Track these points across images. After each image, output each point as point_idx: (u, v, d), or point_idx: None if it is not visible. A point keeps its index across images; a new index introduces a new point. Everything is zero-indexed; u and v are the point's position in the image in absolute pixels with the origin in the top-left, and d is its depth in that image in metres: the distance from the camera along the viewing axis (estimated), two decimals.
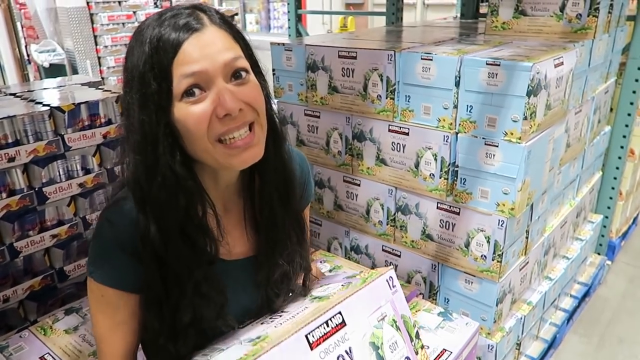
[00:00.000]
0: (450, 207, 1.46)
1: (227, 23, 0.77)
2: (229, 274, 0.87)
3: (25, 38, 5.73)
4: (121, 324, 0.83)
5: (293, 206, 0.92)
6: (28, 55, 5.62)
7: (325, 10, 7.96)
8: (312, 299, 0.89)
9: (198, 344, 0.83)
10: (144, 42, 0.72)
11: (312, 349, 0.74)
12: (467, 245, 1.45)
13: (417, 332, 0.87)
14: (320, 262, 1.65)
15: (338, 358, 0.76)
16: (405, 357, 0.83)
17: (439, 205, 1.49)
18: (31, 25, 5.75)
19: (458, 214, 1.45)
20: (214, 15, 0.76)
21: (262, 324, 0.85)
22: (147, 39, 0.71)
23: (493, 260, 1.41)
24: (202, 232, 0.79)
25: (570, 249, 2.03)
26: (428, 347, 1.24)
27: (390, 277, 0.88)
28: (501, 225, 1.37)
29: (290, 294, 0.92)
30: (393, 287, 0.87)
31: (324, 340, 0.75)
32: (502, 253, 1.39)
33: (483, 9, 2.76)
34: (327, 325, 0.77)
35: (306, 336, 0.74)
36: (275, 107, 0.89)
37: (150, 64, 0.71)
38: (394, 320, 0.84)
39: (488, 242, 1.40)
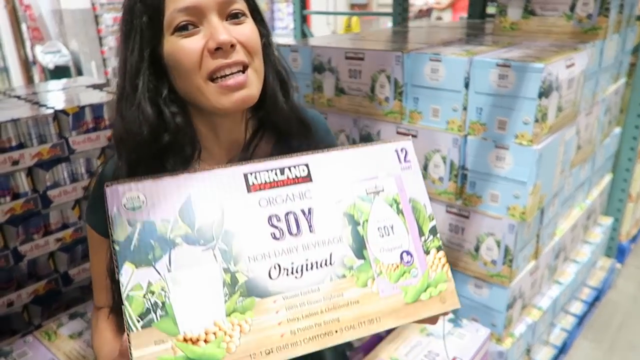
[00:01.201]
0: (459, 210, 1.44)
1: None
2: None
3: (30, 39, 5.75)
4: (108, 269, 0.80)
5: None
6: (33, 57, 5.64)
7: (331, 11, 7.94)
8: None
9: None
10: None
11: (249, 191, 0.60)
12: (477, 249, 1.43)
13: (433, 228, 0.67)
14: None
15: (287, 215, 0.60)
16: (404, 252, 0.64)
17: (447, 208, 1.46)
18: (36, 26, 5.77)
19: (467, 217, 1.43)
20: None
21: None
22: None
23: (503, 264, 1.38)
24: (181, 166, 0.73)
25: (580, 253, 2.00)
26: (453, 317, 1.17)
27: (403, 148, 0.68)
28: (512, 230, 1.34)
29: None
30: (405, 161, 0.68)
31: (270, 187, 0.61)
32: (513, 258, 1.36)
33: (490, 9, 2.74)
34: (282, 173, 0.62)
35: (245, 175, 0.61)
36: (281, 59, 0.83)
37: None
38: (395, 200, 0.66)
39: (498, 246, 1.38)
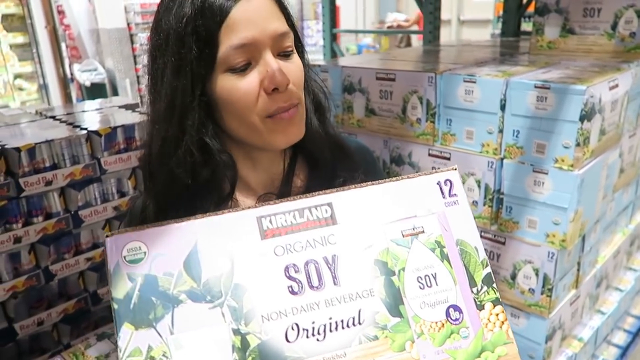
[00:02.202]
0: (494, 236, 1.38)
1: None
2: None
3: (69, 58, 5.96)
4: None
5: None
6: (71, 75, 5.84)
7: (360, 29, 7.97)
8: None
9: None
10: (184, 3, 0.65)
11: (264, 237, 0.52)
12: (514, 277, 1.36)
13: (487, 276, 0.55)
14: None
15: (307, 264, 0.52)
16: (451, 307, 0.53)
17: (482, 234, 1.41)
18: (75, 45, 5.98)
19: (503, 243, 1.37)
20: None
21: None
22: (189, 0, 0.65)
23: (542, 294, 1.32)
24: (215, 205, 0.70)
25: (623, 280, 1.90)
26: None
27: (448, 180, 0.58)
28: (551, 258, 1.28)
29: None
30: (450, 195, 0.57)
31: (287, 232, 0.52)
32: (552, 287, 1.29)
33: (524, 26, 2.68)
34: (301, 215, 0.53)
35: (259, 219, 0.53)
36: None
37: (193, 27, 0.64)
38: (438, 243, 0.55)
39: (537, 274, 1.31)
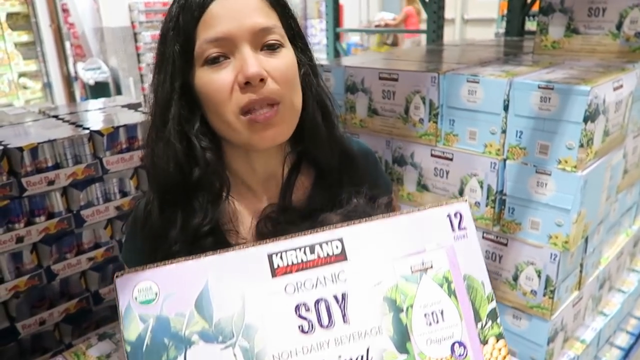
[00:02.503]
0: (497, 237, 1.38)
1: None
2: None
3: (73, 57, 5.97)
4: None
5: (349, 201, 0.76)
6: (75, 73, 5.85)
7: (364, 28, 7.96)
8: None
9: None
10: (174, 3, 0.68)
11: (274, 275, 0.52)
12: (515, 278, 1.36)
13: (492, 311, 0.55)
14: None
15: (317, 303, 0.52)
16: (457, 343, 0.54)
17: (484, 235, 1.40)
18: (79, 44, 5.99)
19: (505, 245, 1.36)
20: None
21: None
22: (177, 0, 0.68)
23: (544, 296, 1.31)
24: (208, 210, 0.70)
25: (626, 282, 1.89)
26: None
27: (458, 213, 0.57)
28: (554, 259, 1.27)
29: None
30: (460, 228, 0.57)
31: (298, 270, 0.52)
32: (555, 289, 1.29)
33: (528, 26, 2.66)
34: (312, 252, 0.53)
35: (270, 256, 0.52)
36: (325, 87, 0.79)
37: (174, 24, 0.67)
38: (446, 278, 0.55)
39: (539, 276, 1.30)
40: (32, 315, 1.36)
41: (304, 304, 0.52)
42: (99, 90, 5.45)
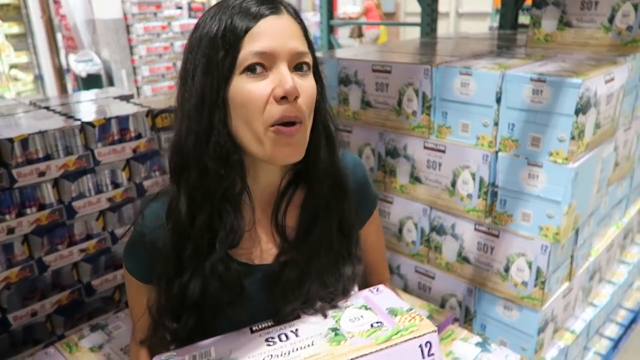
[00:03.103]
0: (488, 229, 1.39)
1: (300, 18, 0.78)
2: (249, 273, 0.83)
3: (65, 48, 5.90)
4: (143, 305, 0.86)
5: (344, 217, 0.86)
6: (67, 65, 5.79)
7: (358, 21, 7.93)
8: (328, 329, 0.76)
9: (198, 327, 0.82)
10: (225, 10, 0.72)
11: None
12: (507, 270, 1.37)
13: None
14: None
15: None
16: None
17: (476, 226, 1.41)
18: (71, 36, 5.93)
19: (497, 236, 1.37)
20: (290, 8, 0.77)
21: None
22: (229, 8, 0.72)
23: (535, 287, 1.32)
24: (234, 213, 0.77)
25: (616, 274, 1.91)
26: None
27: (428, 342, 0.69)
28: (544, 251, 1.28)
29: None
30: (429, 355, 0.69)
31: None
32: (545, 280, 1.30)
33: (522, 19, 2.67)
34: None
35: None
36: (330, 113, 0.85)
37: (224, 30, 0.71)
38: None
39: (530, 267, 1.32)
40: (23, 306, 1.36)
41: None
42: (91, 82, 5.40)
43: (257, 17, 0.71)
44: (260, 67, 0.71)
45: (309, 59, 0.75)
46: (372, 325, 0.72)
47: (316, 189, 0.83)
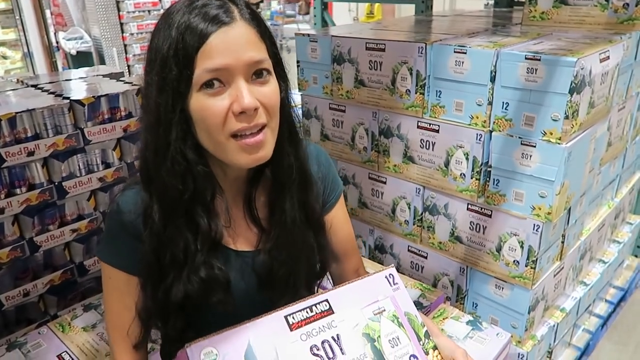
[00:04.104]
0: (481, 209, 1.39)
1: (256, 19, 0.76)
2: (231, 263, 0.85)
3: (54, 25, 5.78)
4: (129, 309, 0.83)
5: (309, 207, 0.90)
6: (57, 43, 5.68)
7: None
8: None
9: (188, 327, 0.84)
10: (172, 25, 0.71)
11: (291, 329, 0.74)
12: (499, 249, 1.37)
13: (426, 332, 0.83)
14: None
15: (323, 343, 0.75)
16: (411, 356, 0.79)
17: (469, 206, 1.41)
18: (60, 12, 5.80)
19: (490, 216, 1.37)
20: (244, 9, 0.75)
21: None
22: (175, 24, 0.71)
23: (526, 266, 1.33)
24: (207, 216, 0.79)
25: (607, 252, 1.93)
26: None
27: (391, 274, 0.85)
28: (536, 230, 1.29)
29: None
30: (394, 284, 0.84)
31: (306, 324, 0.76)
32: (537, 259, 1.31)
33: None
34: (311, 311, 0.77)
35: (286, 317, 0.75)
36: (296, 106, 0.87)
37: (175, 50, 0.70)
38: (394, 315, 0.81)
39: (521, 247, 1.32)
40: (15, 286, 1.35)
41: (315, 345, 0.75)
42: (81, 60, 5.31)
43: (208, 33, 0.70)
44: (217, 82, 0.71)
45: (267, 64, 0.75)
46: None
47: (280, 182, 0.85)
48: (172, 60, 0.70)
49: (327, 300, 0.78)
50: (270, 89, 0.75)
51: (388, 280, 0.84)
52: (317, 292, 0.93)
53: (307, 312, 0.76)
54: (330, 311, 0.78)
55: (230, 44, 0.70)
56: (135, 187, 0.83)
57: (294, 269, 0.87)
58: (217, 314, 0.81)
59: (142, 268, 0.81)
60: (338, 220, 1.01)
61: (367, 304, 0.80)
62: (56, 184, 1.36)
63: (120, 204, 0.82)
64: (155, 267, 0.79)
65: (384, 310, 0.81)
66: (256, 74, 0.73)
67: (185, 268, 0.78)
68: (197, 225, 0.79)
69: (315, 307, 0.77)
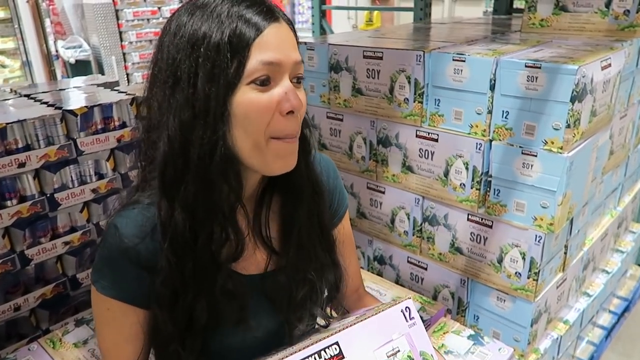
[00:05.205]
0: (482, 219, 1.36)
1: (293, 25, 0.75)
2: (244, 288, 0.80)
3: (53, 34, 5.78)
4: (129, 341, 0.77)
5: (323, 221, 0.86)
6: (56, 52, 5.68)
7: (351, 6, 7.83)
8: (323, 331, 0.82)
9: (206, 352, 0.79)
10: (220, 14, 0.67)
11: None
12: (500, 260, 1.34)
13: None
14: None
15: None
16: None
17: (469, 217, 1.38)
18: (59, 21, 5.81)
19: (490, 227, 1.35)
20: (285, 15, 0.74)
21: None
22: (224, 13, 0.67)
23: (529, 278, 1.30)
24: (234, 226, 0.75)
25: (610, 262, 1.90)
26: None
27: (407, 307, 0.78)
28: (538, 241, 1.26)
29: (314, 323, 0.85)
30: (410, 319, 0.78)
31: None
32: (539, 271, 1.28)
33: (517, 4, 2.62)
34: (319, 357, 0.70)
35: None
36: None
37: (229, 36, 0.66)
38: (409, 357, 0.75)
39: (523, 258, 1.29)
40: (6, 301, 1.32)
41: None
42: (80, 68, 5.31)
43: (263, 25, 0.68)
44: (269, 79, 0.68)
45: (302, 70, 0.74)
46: (356, 317, 0.76)
47: (295, 195, 0.81)
48: (226, 47, 0.65)
49: (337, 343, 0.72)
50: (304, 97, 0.74)
51: (404, 315, 0.78)
52: (331, 314, 0.89)
53: (314, 358, 0.70)
54: (340, 355, 0.72)
55: (282, 39, 0.69)
56: (136, 207, 0.75)
57: (314, 288, 0.83)
58: (233, 337, 0.78)
59: (155, 296, 0.73)
60: (344, 235, 0.97)
61: (380, 344, 0.74)
62: (48, 195, 1.33)
63: (119, 227, 0.73)
64: (172, 283, 0.73)
65: (399, 351, 0.75)
66: (297, 79, 0.72)
67: (214, 281, 0.74)
68: (227, 236, 0.74)
69: (325, 351, 0.71)
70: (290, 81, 0.71)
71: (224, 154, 0.69)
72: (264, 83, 0.68)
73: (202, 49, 0.66)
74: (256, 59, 0.67)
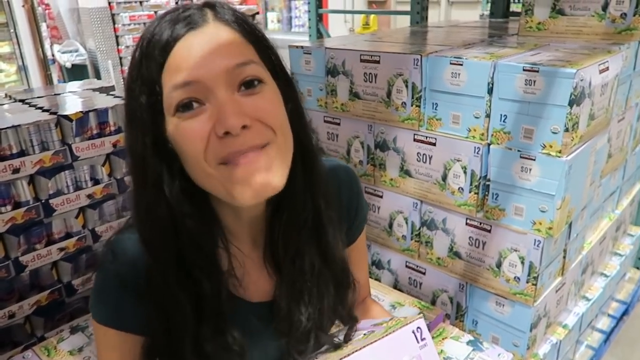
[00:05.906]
0: (480, 223, 1.35)
1: (239, 20, 0.63)
2: (248, 317, 0.76)
3: (49, 38, 5.77)
4: None
5: (328, 245, 0.77)
6: (52, 56, 5.66)
7: (347, 10, 7.85)
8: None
9: None
10: (136, 50, 0.62)
11: None
12: (499, 265, 1.34)
13: None
14: None
15: None
16: None
17: (468, 221, 1.38)
18: (55, 25, 5.79)
19: (489, 231, 1.34)
20: (225, 10, 0.63)
21: None
22: (140, 40, 0.61)
23: (527, 282, 1.29)
24: (207, 272, 0.67)
25: (608, 266, 1.90)
26: None
27: (419, 327, 0.74)
28: (537, 246, 1.25)
29: (320, 349, 0.80)
30: (422, 339, 0.74)
31: None
32: (538, 275, 1.27)
33: (514, 7, 2.63)
34: None
35: None
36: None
37: (137, 72, 0.60)
38: None
39: (522, 263, 1.29)
40: (0, 308, 1.31)
41: None
42: (76, 73, 5.30)
43: (172, 42, 0.58)
44: (193, 101, 0.58)
45: (257, 71, 0.61)
46: (364, 334, 0.73)
47: (293, 218, 0.72)
48: (136, 86, 0.60)
49: None
50: (265, 100, 0.61)
51: (415, 336, 0.74)
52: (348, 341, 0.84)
53: None
54: None
55: (202, 48, 0.58)
56: (133, 231, 0.70)
57: (317, 320, 0.78)
58: None
59: (153, 329, 0.70)
60: (359, 251, 0.93)
61: None
62: (43, 201, 1.32)
63: (116, 251, 0.70)
64: (161, 333, 0.69)
65: None
66: (245, 85, 0.60)
67: (192, 338, 0.68)
68: (197, 284, 0.66)
69: None
70: (238, 90, 0.60)
71: (184, 187, 0.63)
72: (188, 107, 0.59)
73: (125, 97, 0.63)
74: (169, 86, 0.59)
